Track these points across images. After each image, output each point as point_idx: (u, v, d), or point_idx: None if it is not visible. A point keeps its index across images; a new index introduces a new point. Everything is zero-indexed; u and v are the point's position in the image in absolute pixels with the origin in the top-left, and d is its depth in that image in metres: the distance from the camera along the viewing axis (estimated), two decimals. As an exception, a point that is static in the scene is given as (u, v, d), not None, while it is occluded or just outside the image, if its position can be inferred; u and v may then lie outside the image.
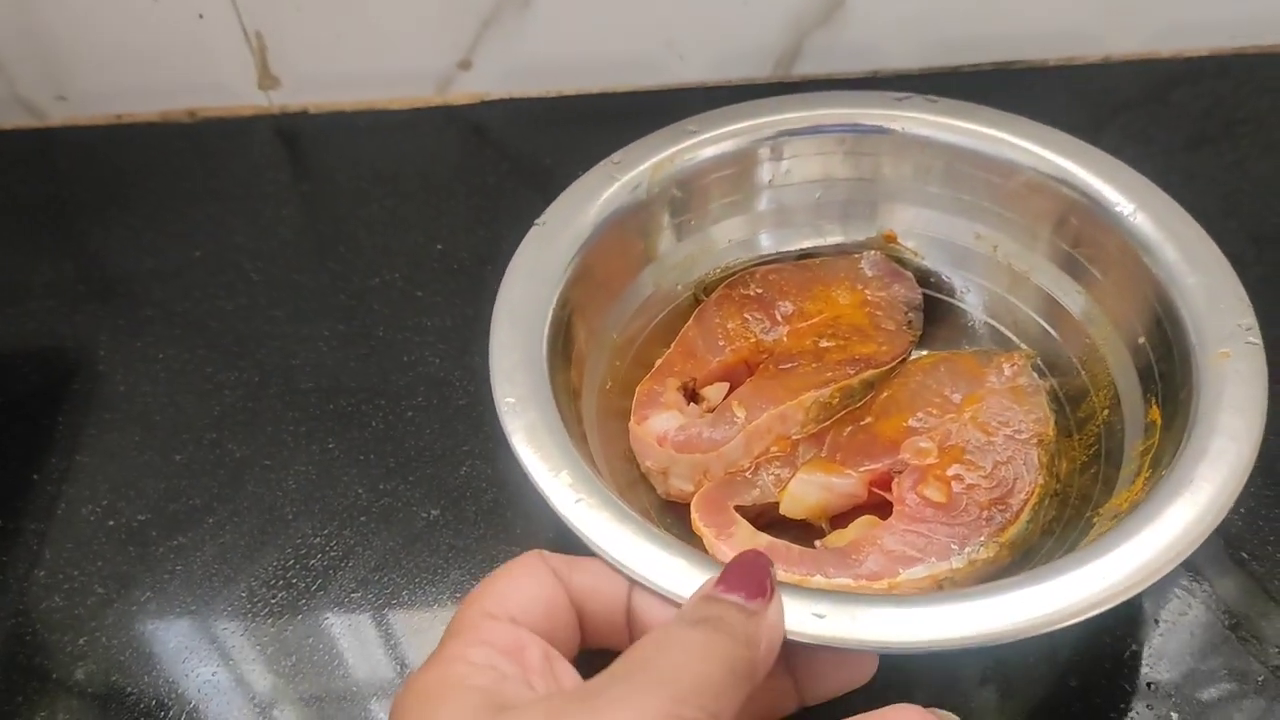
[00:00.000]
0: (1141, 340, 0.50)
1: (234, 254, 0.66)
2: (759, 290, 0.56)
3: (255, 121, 0.74)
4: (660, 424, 0.50)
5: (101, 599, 0.51)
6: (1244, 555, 0.49)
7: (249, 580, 0.51)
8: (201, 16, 0.69)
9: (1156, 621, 0.47)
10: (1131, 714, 0.45)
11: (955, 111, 0.56)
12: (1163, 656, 0.46)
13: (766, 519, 0.49)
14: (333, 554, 0.52)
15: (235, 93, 0.74)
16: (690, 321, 0.55)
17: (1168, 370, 0.47)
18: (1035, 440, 0.50)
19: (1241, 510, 0.50)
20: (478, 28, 0.71)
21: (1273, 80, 0.71)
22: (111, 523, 0.53)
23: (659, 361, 0.53)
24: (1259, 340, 0.45)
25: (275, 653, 0.48)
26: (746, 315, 0.55)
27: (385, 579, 0.51)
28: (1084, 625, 0.46)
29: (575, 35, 0.71)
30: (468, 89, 0.74)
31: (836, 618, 0.37)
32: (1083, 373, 0.53)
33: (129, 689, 0.48)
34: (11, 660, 0.49)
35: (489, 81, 0.74)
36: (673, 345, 0.54)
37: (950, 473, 0.48)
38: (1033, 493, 0.48)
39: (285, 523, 0.53)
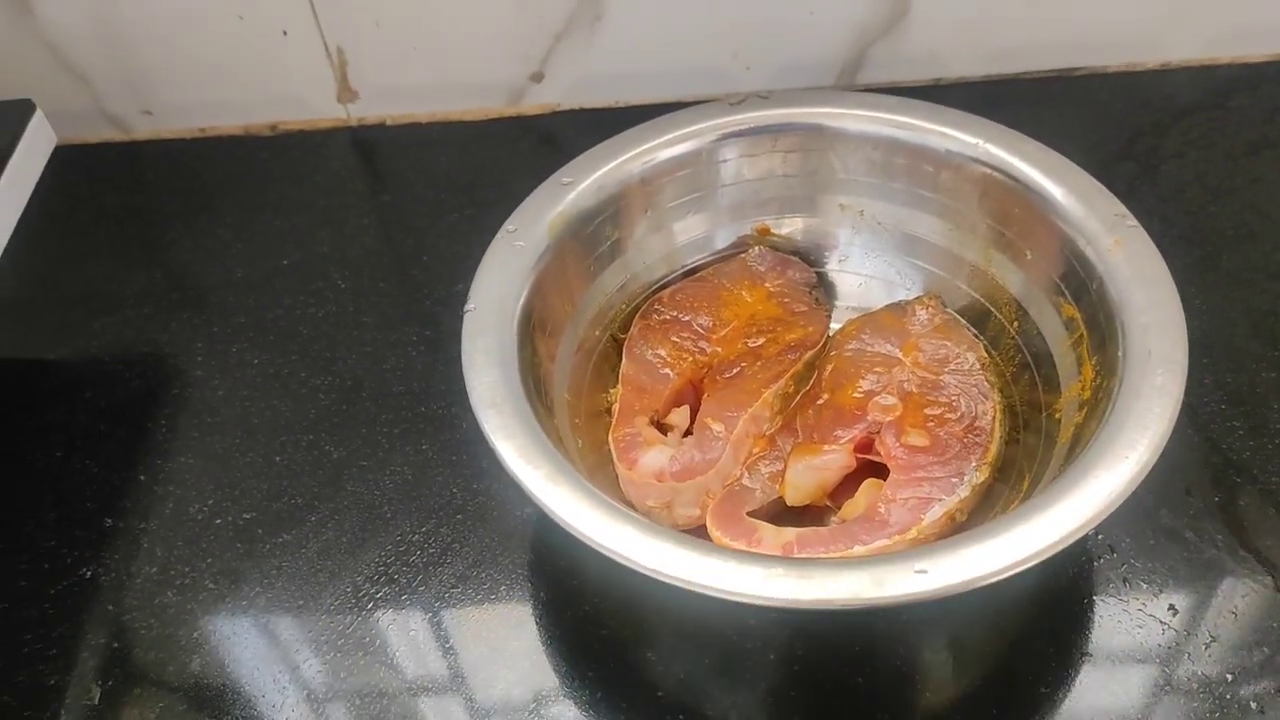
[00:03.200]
0: (1030, 255, 0.54)
1: (321, 263, 0.68)
2: (672, 313, 0.58)
3: (334, 134, 0.77)
4: (652, 462, 0.52)
5: (213, 594, 0.53)
6: (1320, 550, 0.50)
7: (353, 575, 0.53)
8: (286, 33, 0.72)
9: (1235, 614, 0.48)
10: (1212, 702, 0.46)
11: (797, 101, 0.59)
12: (1241, 649, 0.48)
13: (775, 514, 0.52)
14: (432, 551, 0.54)
15: (315, 106, 0.76)
16: (624, 360, 0.56)
17: (1068, 271, 0.52)
18: (978, 366, 0.54)
19: (1316, 505, 0.52)
20: (549, 41, 0.73)
21: (1332, 85, 0.72)
22: (219, 521, 0.56)
23: (615, 406, 0.55)
24: (1135, 222, 0.51)
25: (382, 645, 0.51)
26: (673, 339, 0.57)
27: (484, 574, 0.53)
28: (1165, 619, 0.48)
29: (644, 47, 0.73)
30: (539, 100, 0.77)
31: (938, 568, 0.40)
32: (977, 296, 0.57)
33: (243, 680, 0.50)
34: (127, 654, 0.51)
35: (560, 93, 0.76)
36: (619, 386, 0.55)
37: (922, 416, 0.52)
38: (996, 411, 0.52)
39: (384, 520, 0.55)
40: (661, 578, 0.41)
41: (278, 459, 0.58)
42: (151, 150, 0.78)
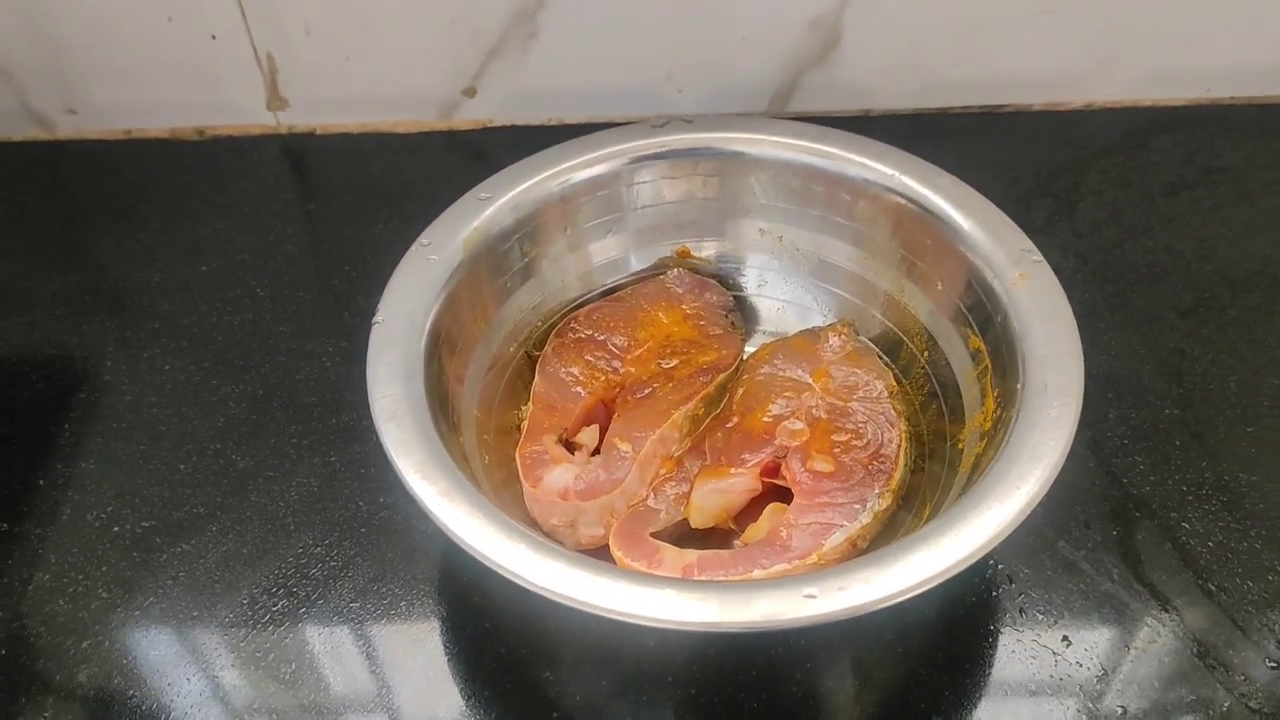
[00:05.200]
0: (940, 286, 0.55)
1: (240, 270, 0.67)
2: (588, 332, 0.58)
3: (263, 141, 0.76)
4: (557, 480, 0.52)
5: (105, 603, 0.52)
6: (1212, 587, 0.51)
7: (250, 588, 0.52)
8: (214, 37, 0.71)
9: (1127, 648, 0.49)
10: (1102, 736, 0.47)
11: (719, 126, 0.60)
12: (1132, 682, 0.48)
13: (679, 535, 0.52)
14: (333, 564, 0.53)
15: (244, 112, 0.76)
16: (537, 378, 0.56)
17: (975, 303, 0.53)
18: (885, 394, 0.55)
19: (1210, 543, 0.52)
20: (483, 57, 0.73)
21: (1249, 131, 0.74)
22: (116, 529, 0.55)
23: (525, 423, 0.55)
24: (1041, 257, 0.52)
25: (275, 659, 0.50)
26: (587, 357, 0.57)
27: (384, 589, 0.52)
28: (1058, 650, 0.48)
29: (578, 66, 0.73)
30: (472, 115, 0.76)
31: (826, 594, 0.40)
32: (890, 325, 0.58)
33: (131, 692, 0.49)
34: (15, 662, 0.50)
35: (492, 109, 0.76)
36: (530, 404, 0.55)
37: (828, 442, 0.53)
38: (901, 440, 0.53)
39: (287, 532, 0.54)
40: (551, 596, 0.41)
41: (182, 467, 0.57)
42: (75, 150, 0.77)
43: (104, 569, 0.53)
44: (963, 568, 0.41)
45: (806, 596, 0.40)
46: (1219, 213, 0.69)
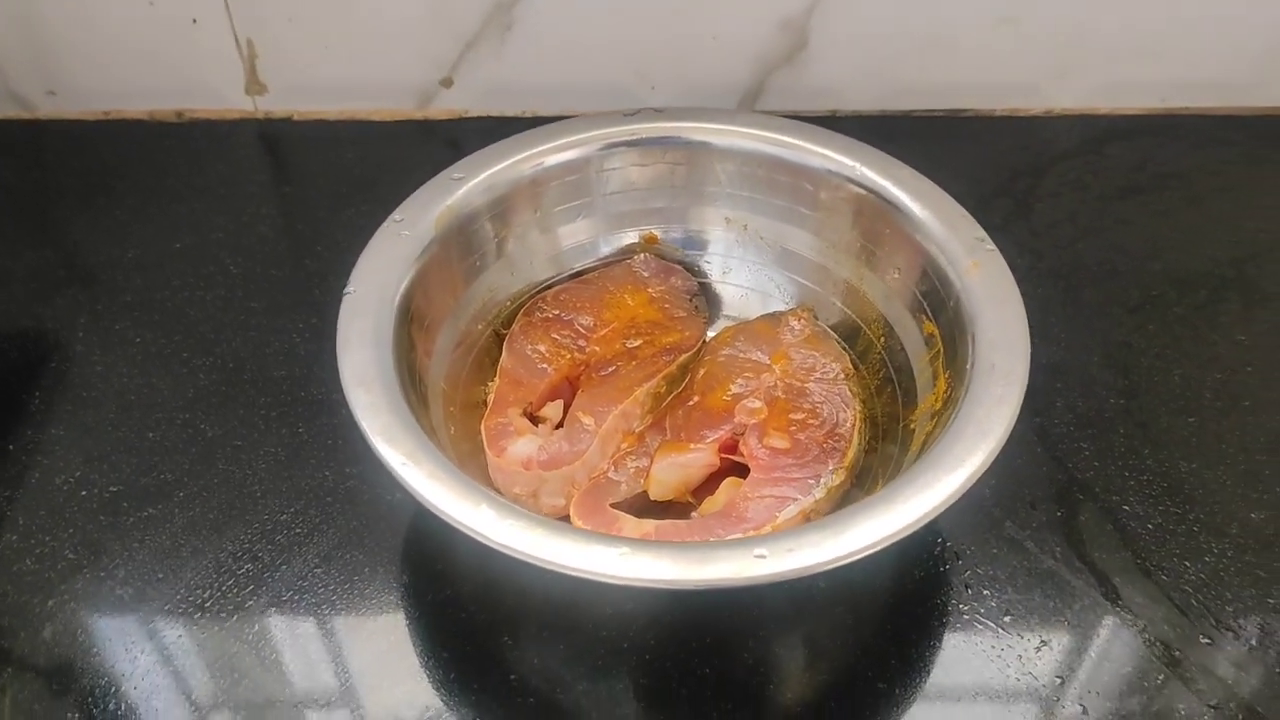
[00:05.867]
0: (897, 274, 0.57)
1: (214, 248, 0.68)
2: (555, 311, 0.60)
3: (241, 125, 0.77)
4: (520, 450, 0.53)
5: (72, 564, 0.53)
6: (1150, 566, 0.53)
7: (216, 552, 0.53)
8: (195, 21, 0.72)
9: (1067, 623, 0.51)
10: (1040, 704, 0.48)
11: (687, 116, 0.62)
12: (1071, 655, 0.50)
13: (638, 507, 0.53)
14: (298, 531, 0.54)
15: (223, 96, 0.77)
16: (504, 354, 0.58)
17: (930, 289, 0.55)
18: (842, 376, 0.57)
19: (1149, 526, 0.54)
20: (461, 48, 0.75)
21: (1200, 140, 0.77)
22: (84, 493, 0.55)
23: (491, 397, 0.56)
24: (994, 246, 0.54)
25: (239, 622, 0.51)
26: (554, 335, 0.58)
27: (348, 556, 0.53)
28: (1001, 623, 0.50)
29: (553, 60, 0.75)
30: (448, 105, 0.78)
31: (776, 554, 0.42)
32: (849, 312, 0.60)
33: (94, 649, 0.50)
34: (-20, 619, 0.51)
35: (469, 100, 0.78)
36: (497, 379, 0.57)
37: (785, 420, 0.54)
38: (856, 419, 0.55)
39: (253, 499, 0.55)
40: (512, 554, 0.42)
41: (151, 435, 0.58)
42: (54, 130, 0.78)
43: (71, 531, 0.54)
44: (908, 533, 0.43)
45: (757, 557, 0.42)
46: (1168, 216, 0.71)
